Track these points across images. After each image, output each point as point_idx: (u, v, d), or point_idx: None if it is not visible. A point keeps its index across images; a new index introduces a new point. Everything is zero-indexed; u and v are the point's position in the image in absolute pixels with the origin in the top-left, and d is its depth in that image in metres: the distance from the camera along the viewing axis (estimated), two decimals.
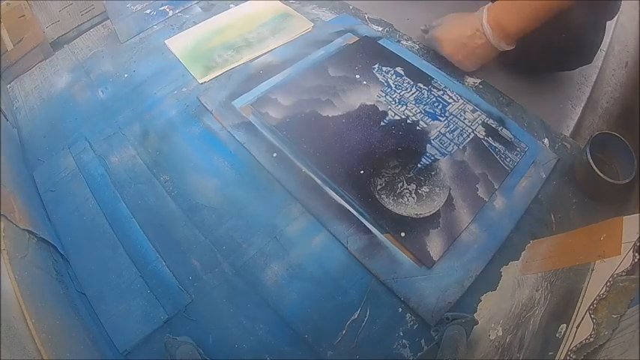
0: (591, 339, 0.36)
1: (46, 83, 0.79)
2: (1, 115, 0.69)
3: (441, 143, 0.65)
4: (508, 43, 0.64)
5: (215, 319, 0.51)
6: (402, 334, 0.49)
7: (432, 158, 0.63)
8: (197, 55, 0.79)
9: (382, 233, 0.56)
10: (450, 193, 0.59)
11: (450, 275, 0.52)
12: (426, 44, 0.76)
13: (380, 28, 0.84)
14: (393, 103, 0.69)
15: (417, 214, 0.57)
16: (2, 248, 0.45)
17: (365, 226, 0.57)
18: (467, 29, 0.66)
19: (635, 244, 0.39)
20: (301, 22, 0.85)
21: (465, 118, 0.68)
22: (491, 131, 0.66)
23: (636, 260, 0.38)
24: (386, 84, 0.72)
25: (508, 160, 0.63)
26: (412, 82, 0.73)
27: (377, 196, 0.59)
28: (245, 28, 0.84)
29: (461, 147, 0.64)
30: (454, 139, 0.65)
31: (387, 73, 0.74)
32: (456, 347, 0.43)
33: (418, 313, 0.50)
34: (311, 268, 0.54)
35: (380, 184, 0.60)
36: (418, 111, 0.68)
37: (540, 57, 0.68)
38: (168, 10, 0.91)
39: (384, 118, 0.67)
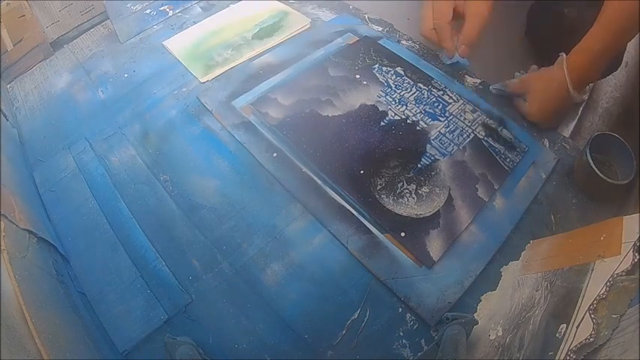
0: (591, 339, 0.36)
1: (46, 83, 0.79)
2: (1, 115, 0.69)
3: (441, 143, 0.65)
4: (580, 93, 0.62)
5: (215, 319, 0.51)
6: (402, 334, 0.49)
7: (432, 158, 0.63)
8: (196, 54, 0.79)
9: (382, 233, 0.56)
10: (449, 194, 0.59)
11: (450, 275, 0.52)
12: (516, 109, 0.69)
13: (380, 28, 0.84)
14: (393, 103, 0.69)
15: (417, 214, 0.57)
16: (2, 248, 0.45)
17: (365, 226, 0.57)
18: (552, 91, 0.62)
19: (635, 244, 0.39)
20: (299, 20, 0.85)
21: (465, 119, 0.68)
22: (491, 131, 0.66)
23: (636, 260, 0.38)
24: (386, 84, 0.72)
25: (508, 160, 0.63)
26: (412, 82, 0.73)
27: (377, 196, 0.59)
28: (243, 26, 0.84)
29: (461, 147, 0.64)
30: (454, 139, 0.65)
31: (387, 73, 0.74)
32: (456, 347, 0.43)
33: (418, 313, 0.50)
34: (311, 268, 0.54)
35: (380, 184, 0.60)
36: (418, 111, 0.68)
37: None
38: (168, 10, 0.91)
39: (384, 118, 0.67)
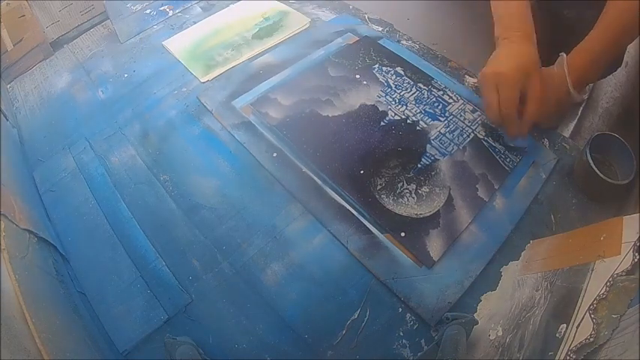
0: (591, 339, 0.36)
1: (46, 83, 0.79)
2: (1, 115, 0.69)
3: (441, 143, 0.65)
4: (580, 93, 0.61)
5: (215, 319, 0.51)
6: (402, 334, 0.49)
7: (432, 158, 0.63)
8: (197, 54, 0.79)
9: (382, 233, 0.56)
10: (450, 193, 0.59)
11: (450, 275, 0.52)
12: None
13: (380, 28, 0.84)
14: (393, 103, 0.69)
15: (417, 214, 0.57)
16: (2, 248, 0.45)
17: (365, 226, 0.57)
18: (552, 90, 0.61)
19: (635, 244, 0.39)
20: (298, 19, 0.85)
21: (464, 119, 0.68)
22: (491, 131, 0.66)
23: (636, 260, 0.38)
24: (386, 84, 0.72)
25: (508, 160, 0.63)
26: (412, 82, 0.73)
27: (377, 196, 0.59)
28: (243, 26, 0.84)
29: (461, 147, 0.64)
30: (454, 139, 0.65)
31: (387, 73, 0.74)
32: (455, 347, 0.43)
33: (418, 313, 0.50)
34: (311, 268, 0.54)
35: (380, 184, 0.60)
36: (418, 111, 0.68)
37: None
38: (168, 10, 0.91)
39: (384, 118, 0.67)
